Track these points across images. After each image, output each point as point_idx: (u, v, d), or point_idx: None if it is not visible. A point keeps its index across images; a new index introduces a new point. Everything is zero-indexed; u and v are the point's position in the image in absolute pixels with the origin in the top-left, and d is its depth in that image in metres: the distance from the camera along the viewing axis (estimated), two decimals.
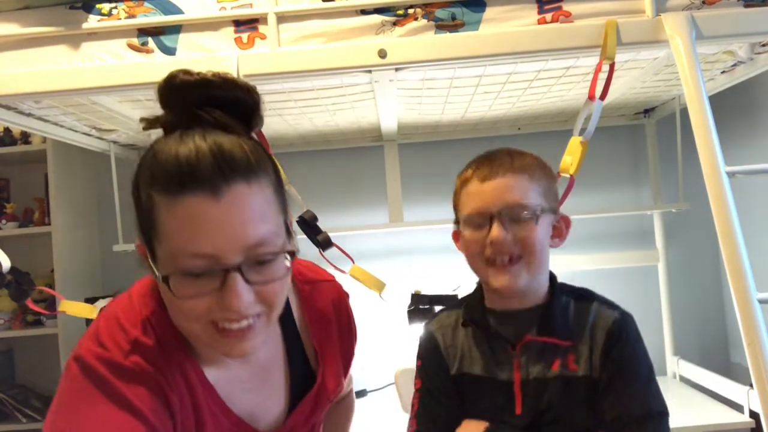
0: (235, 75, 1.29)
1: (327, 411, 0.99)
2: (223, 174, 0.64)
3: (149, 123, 0.72)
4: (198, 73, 0.69)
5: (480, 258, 0.95)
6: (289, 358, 0.88)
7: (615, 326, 0.95)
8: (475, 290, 1.06)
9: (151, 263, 0.69)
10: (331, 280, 0.97)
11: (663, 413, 0.94)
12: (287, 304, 0.87)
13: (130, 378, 0.71)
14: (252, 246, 0.66)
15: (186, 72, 0.69)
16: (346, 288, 1.00)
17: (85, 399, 0.70)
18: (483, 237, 0.93)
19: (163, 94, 0.70)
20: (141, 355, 0.72)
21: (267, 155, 0.72)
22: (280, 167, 0.75)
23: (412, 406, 1.04)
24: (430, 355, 1.04)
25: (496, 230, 0.92)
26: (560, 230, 0.99)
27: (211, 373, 0.79)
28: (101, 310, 0.81)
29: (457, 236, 1.01)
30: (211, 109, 0.69)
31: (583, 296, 1.00)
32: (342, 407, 1.11)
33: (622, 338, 0.95)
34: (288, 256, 0.70)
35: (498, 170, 0.94)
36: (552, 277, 1.01)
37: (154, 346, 0.74)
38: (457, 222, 1.01)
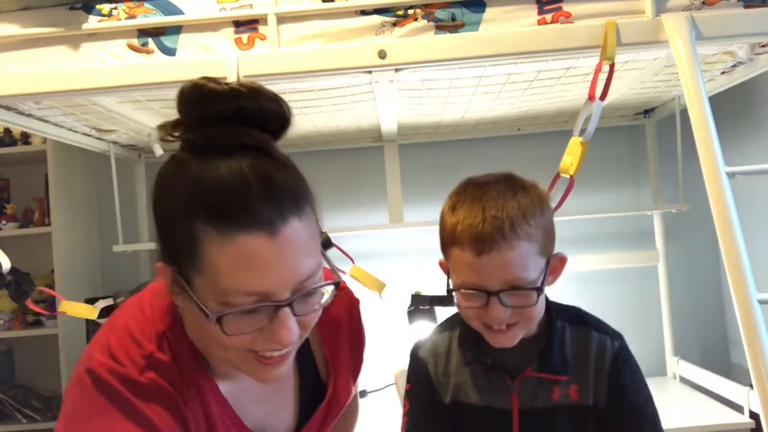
0: (235, 76, 1.30)
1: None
2: (281, 213, 0.62)
3: (168, 132, 0.68)
4: (225, 83, 0.66)
5: (476, 321, 0.92)
6: (300, 370, 0.88)
7: (618, 357, 0.95)
8: (466, 332, 1.00)
9: (192, 295, 0.65)
10: (344, 288, 0.95)
11: None
12: None
13: (146, 394, 0.69)
14: (303, 280, 0.66)
15: (213, 80, 0.66)
16: (356, 294, 1.00)
17: (98, 413, 0.68)
18: (479, 308, 0.88)
19: (189, 101, 0.66)
20: (156, 372, 0.71)
21: (302, 175, 0.69)
22: None
23: (401, 428, 1.04)
24: (420, 383, 1.02)
25: (494, 310, 0.87)
26: (555, 269, 0.94)
27: (224, 387, 0.78)
28: (108, 318, 0.80)
29: (443, 266, 0.98)
30: (249, 128, 0.66)
31: (578, 321, 0.99)
32: (347, 411, 1.12)
33: (624, 369, 0.95)
34: (334, 287, 0.71)
35: (494, 242, 0.85)
36: (546, 303, 0.97)
37: (170, 362, 0.72)
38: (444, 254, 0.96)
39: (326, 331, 0.89)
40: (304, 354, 0.87)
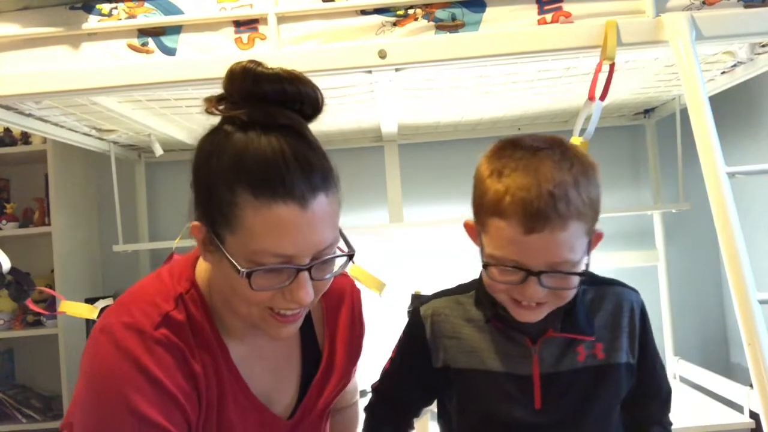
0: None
1: (331, 420, 1.00)
2: (312, 188, 0.70)
3: (214, 105, 0.75)
4: (271, 68, 0.73)
5: (504, 295, 0.85)
6: (303, 346, 0.92)
7: (643, 310, 0.94)
8: (482, 283, 0.94)
9: (225, 251, 0.72)
10: (345, 275, 1.00)
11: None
12: None
13: (157, 346, 0.74)
14: (323, 249, 0.73)
15: (260, 64, 0.73)
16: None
17: (112, 367, 0.73)
18: (513, 283, 0.82)
19: (237, 81, 0.73)
20: (170, 329, 0.76)
21: (329, 158, 0.76)
22: None
23: (383, 370, 1.03)
24: (414, 340, 0.97)
25: (530, 288, 0.80)
26: (592, 246, 0.87)
27: (236, 353, 0.82)
28: (115, 299, 0.83)
29: (471, 229, 0.90)
30: (288, 111, 0.73)
31: (592, 281, 0.94)
32: (346, 418, 1.12)
33: (647, 320, 0.95)
34: (347, 258, 0.78)
35: (548, 221, 0.77)
36: None
37: (185, 322, 0.77)
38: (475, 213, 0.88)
39: (328, 309, 0.94)
40: (308, 331, 0.92)
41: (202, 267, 0.83)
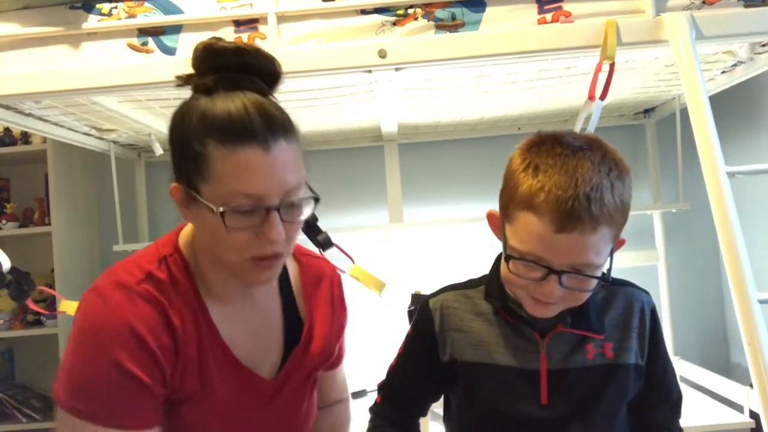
0: None
1: (322, 417, 1.03)
2: (273, 134, 0.78)
3: (185, 81, 0.83)
4: (232, 42, 0.82)
5: (520, 289, 0.85)
6: (285, 317, 0.96)
7: (654, 312, 0.94)
8: (493, 276, 0.95)
9: (201, 199, 0.79)
10: (326, 261, 1.07)
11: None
12: (284, 269, 0.97)
13: (139, 300, 0.80)
14: (288, 191, 0.79)
15: (221, 40, 0.82)
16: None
17: (101, 325, 0.79)
18: (533, 279, 0.81)
19: (202, 56, 0.81)
20: (152, 286, 0.82)
21: (291, 118, 0.83)
22: None
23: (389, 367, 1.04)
24: (422, 334, 0.98)
25: (549, 286, 0.80)
26: (612, 252, 0.86)
27: (217, 314, 0.87)
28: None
29: (494, 219, 0.89)
30: (250, 76, 0.81)
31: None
32: (337, 416, 1.12)
33: (658, 322, 0.94)
34: (314, 201, 0.84)
35: (579, 223, 0.77)
36: None
37: (166, 280, 0.84)
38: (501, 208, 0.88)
39: (308, 286, 1.00)
40: (290, 305, 0.97)
41: (186, 235, 0.90)
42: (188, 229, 0.90)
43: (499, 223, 0.88)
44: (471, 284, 0.99)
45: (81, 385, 0.78)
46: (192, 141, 0.78)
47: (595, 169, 0.79)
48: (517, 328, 0.92)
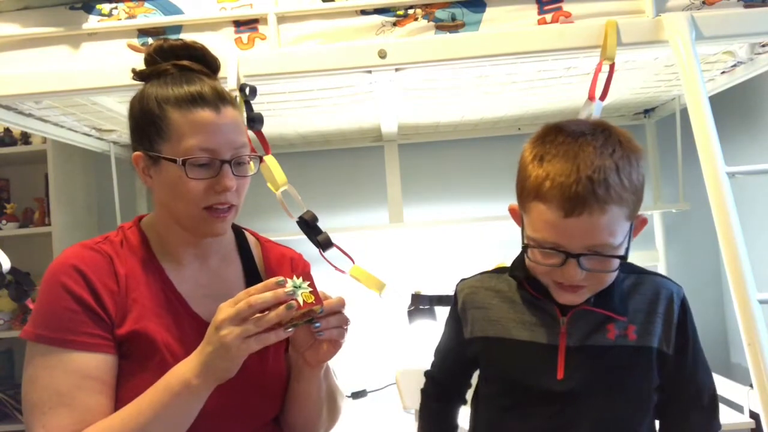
0: (235, 76, 1.36)
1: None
2: (221, 99, 0.94)
3: (140, 75, 1.00)
4: (177, 40, 1.01)
5: (546, 277, 0.89)
6: (247, 280, 1.05)
7: (684, 305, 0.94)
8: (520, 258, 0.97)
9: (162, 157, 0.92)
10: (296, 254, 1.15)
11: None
12: (246, 242, 1.09)
13: (88, 251, 0.94)
14: (237, 148, 0.94)
15: (167, 40, 1.00)
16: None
17: (55, 272, 0.91)
18: (554, 265, 0.84)
19: (156, 54, 0.99)
20: (105, 245, 0.96)
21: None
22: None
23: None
24: (449, 317, 1.06)
25: (570, 270, 0.83)
26: (636, 230, 0.88)
27: (172, 272, 0.99)
28: None
29: (515, 212, 0.93)
30: (195, 63, 0.99)
31: (630, 269, 0.95)
32: (324, 394, 1.12)
33: (690, 316, 0.94)
34: (258, 159, 1.00)
35: (586, 205, 0.79)
36: None
37: (118, 241, 0.98)
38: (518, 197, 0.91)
39: (272, 261, 1.09)
40: (252, 275, 1.06)
41: (147, 218, 1.03)
42: (149, 216, 1.03)
43: (518, 215, 0.92)
44: (498, 271, 1.03)
45: (41, 313, 0.90)
46: (153, 110, 0.93)
47: (597, 151, 0.82)
48: (537, 305, 0.94)
